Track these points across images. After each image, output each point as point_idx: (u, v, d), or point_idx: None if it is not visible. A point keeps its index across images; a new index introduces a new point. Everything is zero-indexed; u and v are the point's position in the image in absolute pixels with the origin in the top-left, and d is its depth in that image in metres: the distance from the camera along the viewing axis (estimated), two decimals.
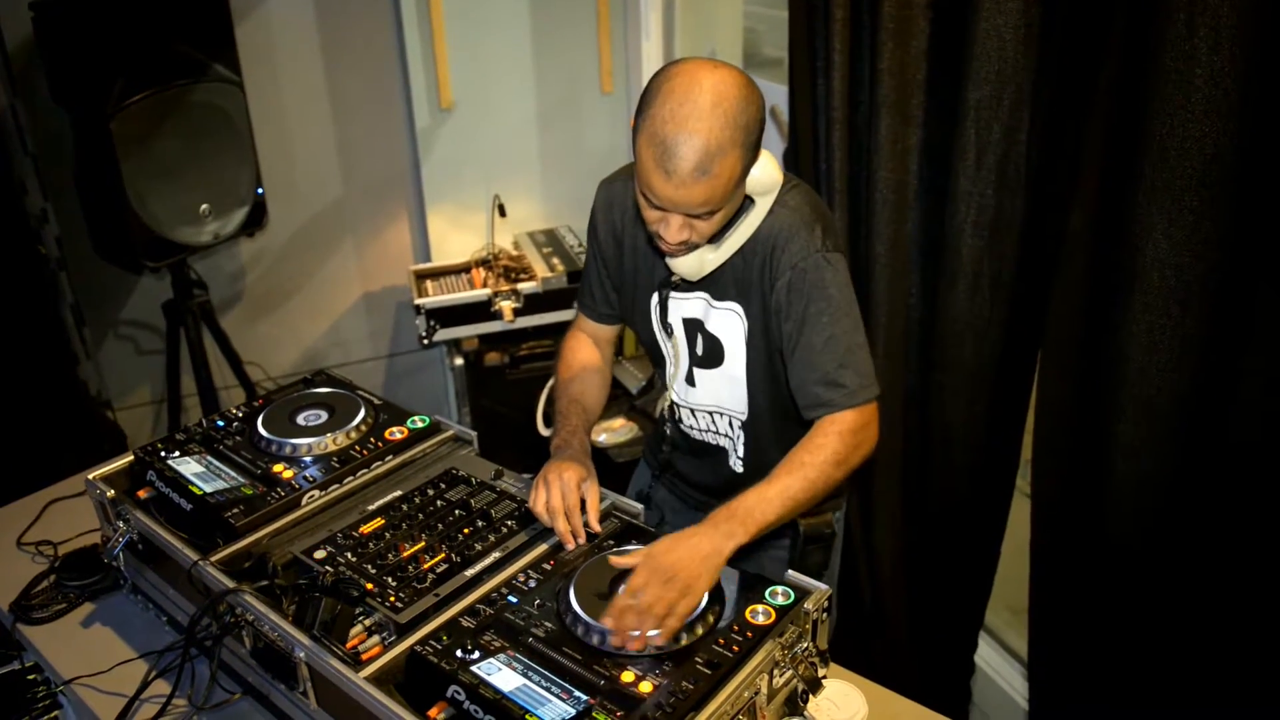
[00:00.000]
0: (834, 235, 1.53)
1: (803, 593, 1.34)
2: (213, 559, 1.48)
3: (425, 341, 3.21)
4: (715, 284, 1.58)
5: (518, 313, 3.20)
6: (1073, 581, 1.85)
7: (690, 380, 1.70)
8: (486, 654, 1.25)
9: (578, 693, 1.18)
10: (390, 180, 3.58)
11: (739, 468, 1.72)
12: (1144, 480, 1.65)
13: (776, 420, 1.65)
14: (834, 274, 1.49)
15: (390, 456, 1.71)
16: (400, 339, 3.82)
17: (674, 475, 1.87)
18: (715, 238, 1.50)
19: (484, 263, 3.36)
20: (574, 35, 3.43)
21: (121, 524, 1.65)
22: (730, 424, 1.70)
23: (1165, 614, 1.69)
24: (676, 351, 1.69)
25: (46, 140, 2.87)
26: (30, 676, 1.97)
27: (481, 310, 3.20)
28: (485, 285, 3.24)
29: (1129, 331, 1.57)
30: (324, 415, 1.80)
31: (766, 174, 1.46)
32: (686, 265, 1.52)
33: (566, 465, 1.55)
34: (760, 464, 1.62)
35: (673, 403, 1.75)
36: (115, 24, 2.55)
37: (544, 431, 2.58)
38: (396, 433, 1.76)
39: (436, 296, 3.20)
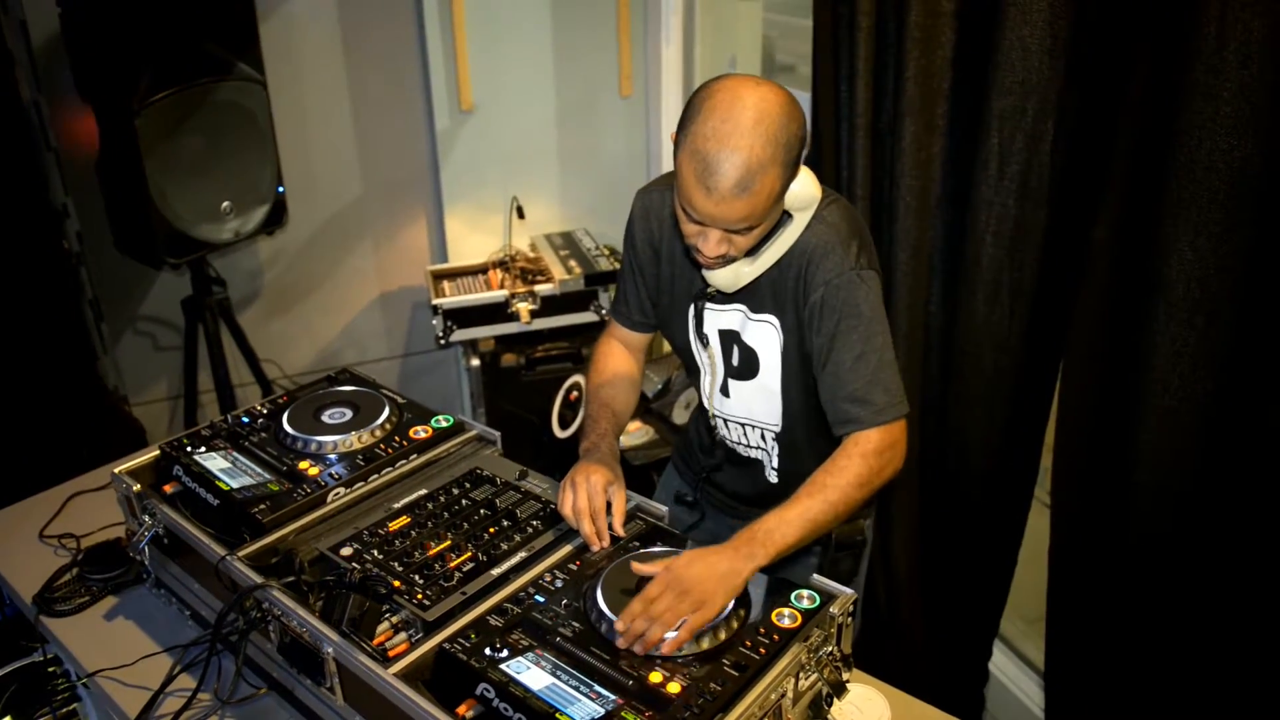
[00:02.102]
0: (870, 253, 1.54)
1: (828, 597, 1.34)
2: (240, 554, 1.49)
3: (442, 342, 3.22)
4: (753, 296, 1.59)
5: (534, 315, 3.21)
6: (1091, 591, 1.85)
7: (725, 391, 1.70)
8: (515, 652, 1.26)
9: (606, 692, 1.19)
10: (409, 181, 3.59)
11: (774, 478, 1.73)
12: (1165, 491, 1.65)
13: (810, 432, 1.65)
14: (866, 292, 1.50)
15: (415, 455, 1.72)
16: (416, 339, 3.83)
17: (712, 485, 1.87)
18: (752, 251, 1.51)
19: (501, 264, 3.37)
20: (594, 39, 3.44)
21: (147, 518, 1.67)
22: (763, 436, 1.71)
23: (1183, 625, 1.69)
24: (712, 362, 1.69)
25: (68, 135, 2.90)
26: (51, 669, 1.98)
27: (498, 311, 3.21)
28: (502, 287, 3.26)
29: (1152, 342, 1.58)
30: (349, 413, 1.81)
31: (805, 189, 1.46)
32: (722, 278, 1.53)
33: (595, 468, 1.56)
34: (795, 475, 1.62)
35: (710, 414, 1.75)
36: (141, 21, 2.56)
37: (559, 433, 2.59)
38: (421, 432, 1.77)
39: (454, 297, 3.22)
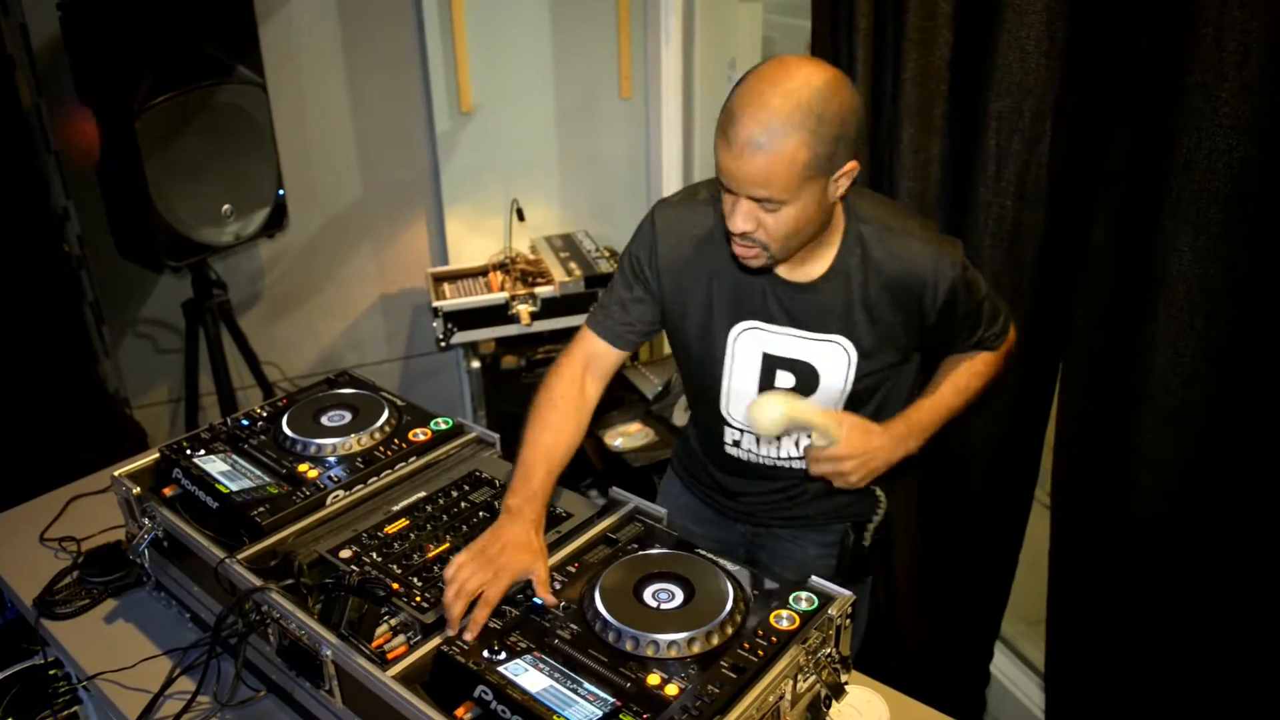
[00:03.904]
0: (946, 238, 1.58)
1: (826, 599, 1.34)
2: (239, 557, 1.49)
3: (443, 344, 3.22)
4: (814, 317, 1.56)
5: (535, 317, 3.21)
6: (1091, 592, 1.85)
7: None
8: (513, 655, 1.26)
9: (604, 695, 1.19)
10: (409, 183, 3.60)
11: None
12: (1164, 492, 1.65)
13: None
14: (970, 274, 1.58)
15: (414, 458, 1.72)
16: (416, 341, 3.83)
17: (721, 493, 1.84)
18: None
19: (501, 266, 3.37)
20: (594, 41, 3.45)
21: (147, 521, 1.67)
22: (797, 442, 1.68)
23: (1184, 626, 1.69)
24: (750, 386, 1.63)
25: (69, 139, 2.90)
26: (52, 671, 1.99)
27: (499, 314, 3.22)
28: (503, 289, 3.26)
29: (1151, 343, 1.58)
30: (348, 416, 1.81)
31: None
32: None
33: (510, 545, 1.41)
34: None
35: (731, 427, 1.71)
36: (141, 24, 2.57)
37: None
38: (420, 434, 1.77)
39: (454, 299, 3.22)
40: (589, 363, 1.68)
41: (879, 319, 1.54)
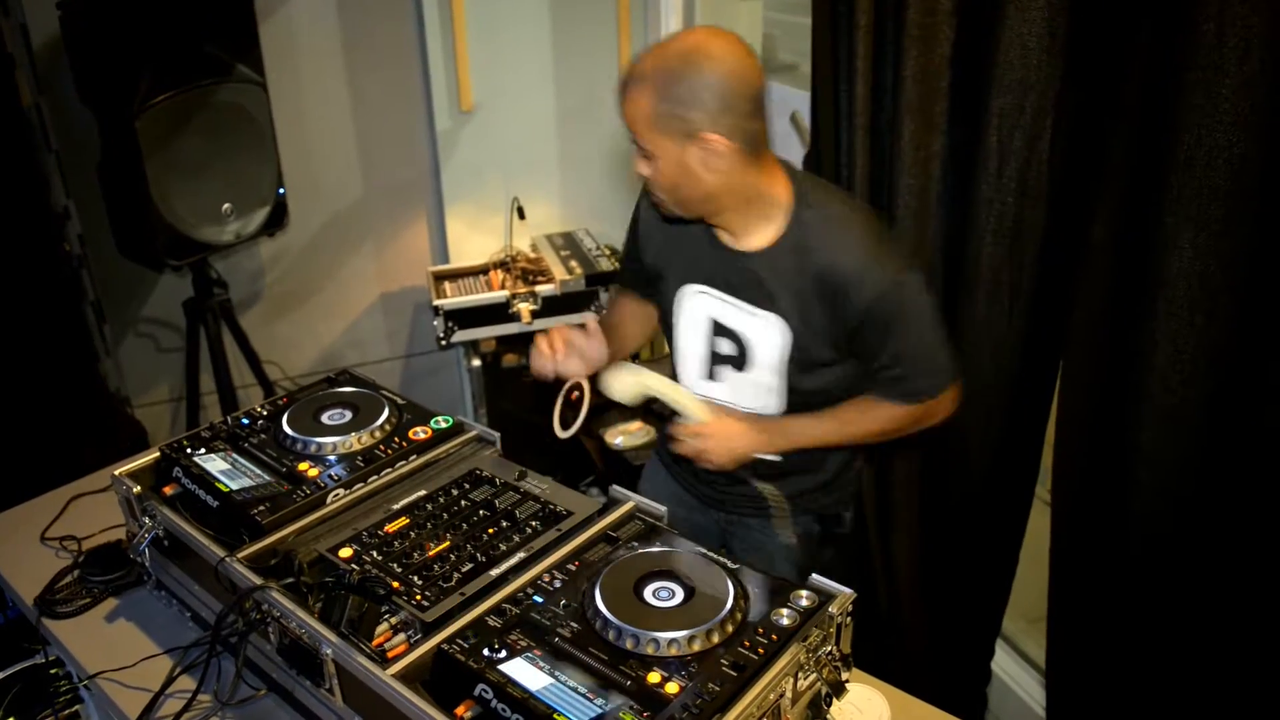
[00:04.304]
0: (899, 252, 1.63)
1: (827, 597, 1.34)
2: (239, 556, 1.49)
3: (443, 342, 3.22)
4: (756, 290, 1.64)
5: (535, 315, 3.21)
6: (1092, 590, 1.85)
7: (711, 377, 1.76)
8: (513, 653, 1.26)
9: (604, 692, 1.19)
10: (410, 182, 3.60)
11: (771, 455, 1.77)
12: (1165, 490, 1.65)
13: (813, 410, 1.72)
14: (908, 293, 1.58)
15: (414, 456, 1.72)
16: (417, 340, 3.83)
17: (695, 478, 1.92)
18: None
19: (502, 265, 3.37)
20: (594, 39, 3.44)
21: (147, 520, 1.67)
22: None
23: (1184, 623, 1.69)
24: (696, 347, 1.75)
25: (70, 138, 2.90)
26: (53, 670, 1.99)
27: (499, 312, 3.22)
28: (503, 287, 3.26)
29: (1152, 340, 1.58)
30: (348, 414, 1.81)
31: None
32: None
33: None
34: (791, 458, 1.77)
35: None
36: (141, 23, 2.57)
37: (560, 434, 2.59)
38: (420, 433, 1.77)
39: (455, 298, 3.22)
40: (625, 309, 1.94)
41: (808, 306, 1.60)
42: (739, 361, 1.70)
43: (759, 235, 1.61)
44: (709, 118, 1.46)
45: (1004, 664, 2.43)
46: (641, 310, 1.92)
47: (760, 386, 1.70)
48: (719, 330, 1.70)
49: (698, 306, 1.71)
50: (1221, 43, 1.38)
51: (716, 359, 1.73)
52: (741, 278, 1.64)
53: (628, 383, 1.73)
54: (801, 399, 1.69)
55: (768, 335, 1.64)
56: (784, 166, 1.64)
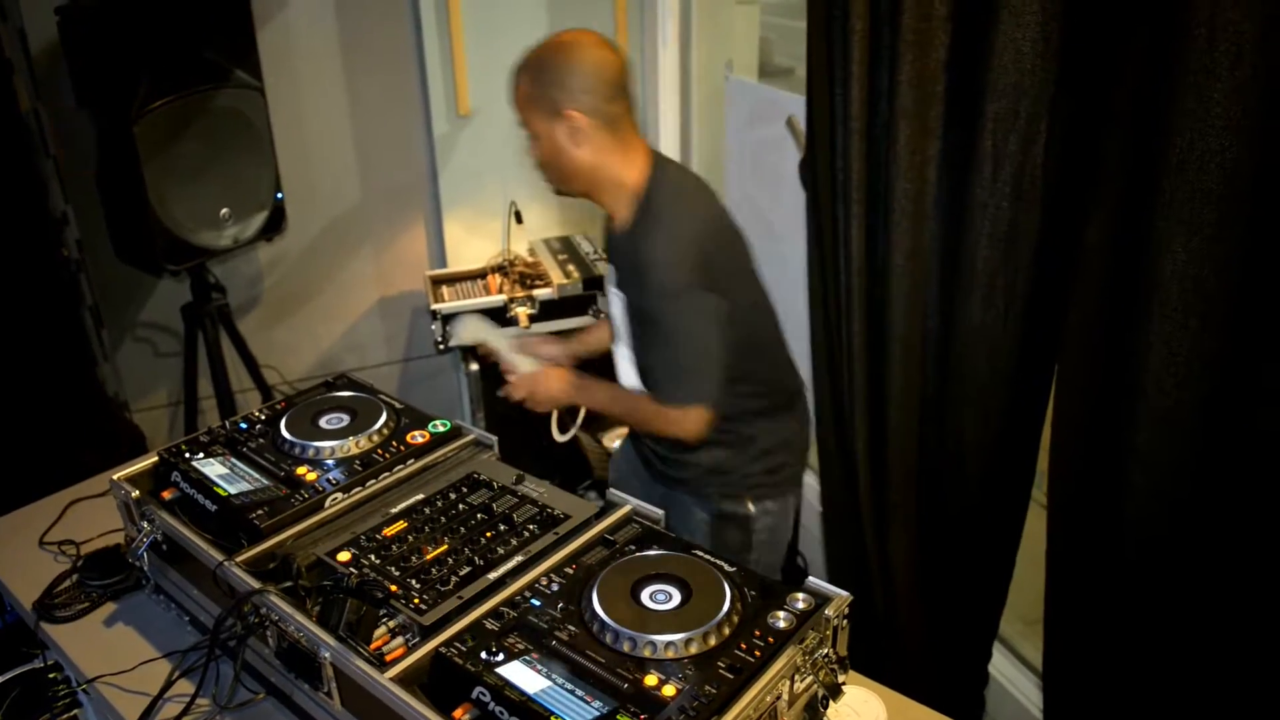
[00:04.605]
0: (704, 273, 1.80)
1: (823, 599, 1.35)
2: (238, 559, 1.49)
3: (441, 346, 3.23)
4: (620, 269, 1.96)
5: (533, 319, 3.22)
6: (1088, 593, 1.85)
7: (616, 356, 2.09)
8: (511, 656, 1.26)
9: (602, 695, 1.19)
10: (408, 186, 3.60)
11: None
12: (1160, 492, 1.65)
13: None
14: (681, 309, 1.80)
15: (412, 460, 1.72)
16: (415, 344, 3.84)
17: (647, 451, 2.18)
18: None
19: (500, 269, 3.38)
20: None
21: (146, 524, 1.67)
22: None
23: (1181, 625, 1.69)
24: (616, 313, 2.04)
25: (68, 143, 2.91)
26: (51, 675, 1.99)
27: (497, 316, 3.22)
28: (501, 291, 3.27)
29: (1146, 343, 1.58)
30: (346, 419, 1.81)
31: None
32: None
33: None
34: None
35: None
36: (140, 28, 2.58)
37: (558, 437, 2.62)
38: (418, 436, 1.77)
39: (453, 302, 3.23)
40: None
41: (635, 290, 1.88)
42: (614, 336, 2.06)
43: (621, 218, 1.90)
44: (570, 97, 1.78)
45: (1001, 666, 2.43)
46: None
47: (626, 360, 2.03)
48: (622, 316, 2.00)
49: (611, 294, 2.03)
50: (1213, 48, 1.39)
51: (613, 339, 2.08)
52: (614, 258, 1.99)
53: (471, 328, 2.22)
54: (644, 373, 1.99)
55: (619, 311, 1.97)
56: (654, 158, 1.90)
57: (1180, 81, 1.44)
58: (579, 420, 2.78)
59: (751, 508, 2.07)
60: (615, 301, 2.00)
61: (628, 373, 2.05)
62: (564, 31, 1.85)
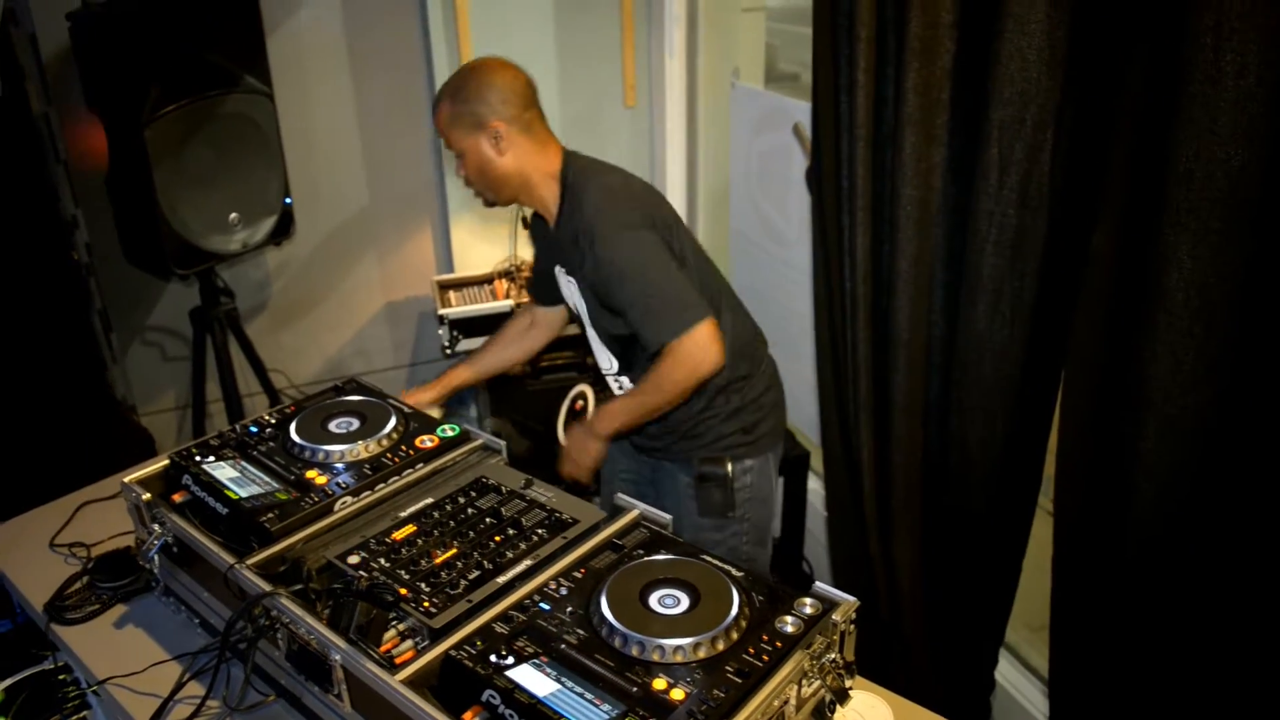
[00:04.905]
0: (632, 210, 1.99)
1: (831, 604, 1.36)
2: (249, 562, 1.50)
3: (448, 351, 3.24)
4: (565, 258, 2.10)
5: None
6: (1095, 600, 1.86)
7: (590, 341, 2.22)
8: (520, 659, 1.27)
9: (611, 699, 1.20)
10: (415, 191, 3.62)
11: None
12: (1166, 499, 1.66)
13: (643, 366, 2.07)
14: (628, 247, 1.94)
15: (421, 464, 1.74)
16: (422, 348, 3.85)
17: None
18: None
19: (507, 274, 3.39)
20: (598, 50, 3.47)
21: (157, 527, 1.68)
22: (614, 380, 2.23)
23: (1187, 632, 1.70)
24: (579, 307, 2.18)
25: (77, 147, 2.92)
26: (61, 676, 2.00)
27: (503, 321, 3.22)
28: (508, 296, 3.28)
29: (1152, 351, 1.59)
30: (355, 423, 1.82)
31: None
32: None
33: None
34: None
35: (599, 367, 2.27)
36: (150, 34, 2.59)
37: (564, 441, 2.63)
38: (427, 441, 1.78)
39: (460, 307, 3.24)
40: (535, 314, 2.44)
41: (581, 263, 2.01)
42: (581, 322, 2.18)
43: (553, 210, 2.06)
44: (491, 109, 1.97)
45: (1007, 673, 2.43)
46: (552, 318, 2.42)
47: (597, 341, 2.18)
48: (570, 297, 2.16)
49: (564, 284, 2.16)
50: (1219, 57, 1.40)
51: (581, 326, 2.20)
52: (559, 249, 2.10)
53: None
54: (620, 348, 2.14)
55: (577, 295, 2.11)
56: (564, 152, 2.08)
57: (1186, 90, 1.45)
58: None
59: (730, 467, 2.19)
60: (571, 288, 2.13)
61: (600, 354, 2.21)
62: (472, 61, 2.06)
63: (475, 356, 2.44)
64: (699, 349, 1.93)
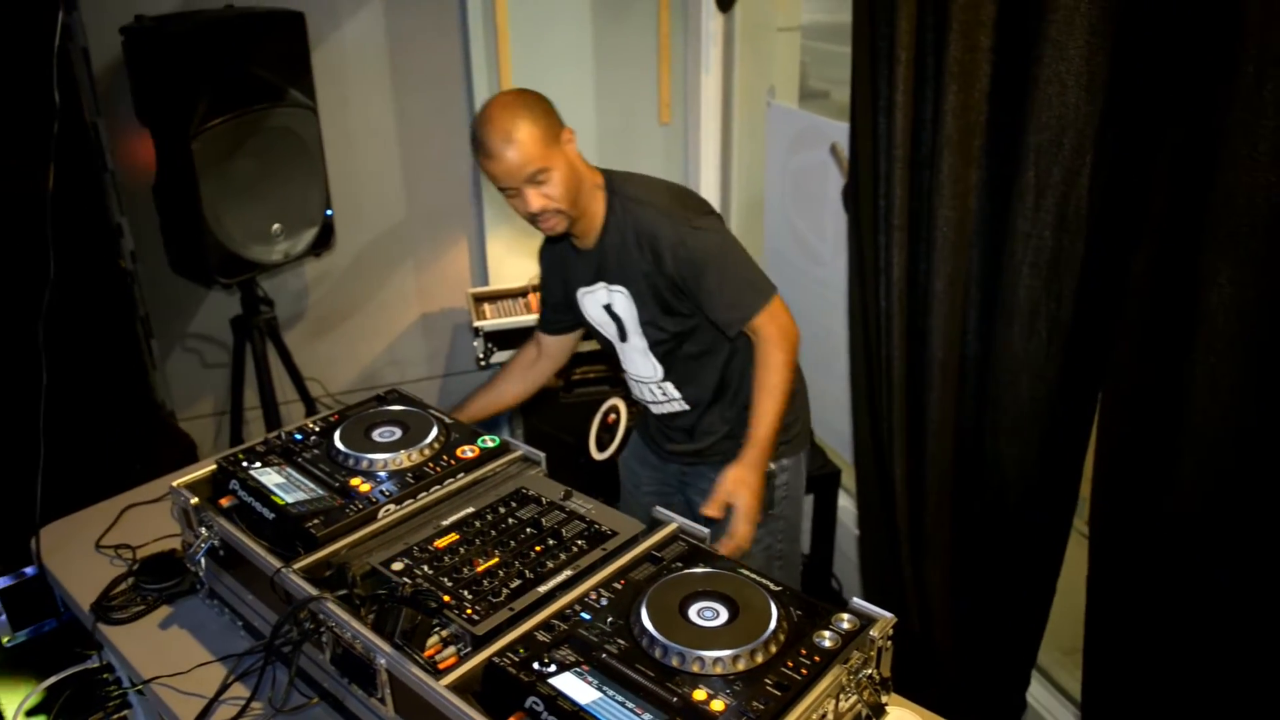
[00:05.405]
0: (692, 206, 2.06)
1: (868, 620, 1.37)
2: (295, 567, 1.53)
3: (483, 363, 3.27)
4: (606, 271, 2.09)
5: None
6: (1129, 623, 1.86)
7: (623, 354, 2.21)
8: (562, 668, 1.29)
9: (652, 709, 1.22)
10: (452, 205, 3.67)
11: (685, 408, 2.23)
12: (1204, 524, 1.66)
13: (692, 368, 2.16)
14: (703, 237, 1.99)
15: (462, 474, 1.76)
16: (455, 360, 3.90)
17: (660, 435, 2.35)
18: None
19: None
20: (635, 66, 3.51)
21: (204, 530, 1.72)
22: (653, 390, 2.22)
23: (1224, 658, 1.69)
24: (606, 333, 2.20)
25: (124, 158, 2.99)
26: (104, 676, 2.04)
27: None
28: None
29: (1191, 374, 1.59)
30: (398, 432, 1.86)
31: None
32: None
33: None
34: (695, 398, 2.21)
35: (627, 378, 2.27)
36: (200, 49, 2.66)
37: (596, 455, 2.65)
38: (468, 451, 1.81)
39: (495, 319, 3.27)
40: (542, 344, 2.40)
41: (635, 267, 2.03)
42: (623, 334, 2.16)
43: (596, 223, 2.05)
44: (559, 118, 1.97)
45: (1039, 695, 2.43)
46: (557, 348, 2.39)
47: (638, 351, 2.16)
48: (610, 314, 2.15)
49: (590, 304, 2.17)
50: (1260, 85, 1.41)
51: (618, 337, 2.18)
52: (595, 265, 2.10)
53: None
54: (663, 353, 2.14)
55: (625, 305, 2.09)
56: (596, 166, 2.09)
57: (1228, 118, 1.46)
58: (618, 439, 2.81)
59: (771, 465, 2.19)
60: (619, 300, 2.11)
61: (640, 364, 2.19)
62: (498, 94, 1.99)
63: (485, 391, 2.39)
64: (785, 318, 2.03)
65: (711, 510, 1.92)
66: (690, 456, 2.30)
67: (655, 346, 2.14)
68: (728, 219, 3.62)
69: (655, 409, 2.27)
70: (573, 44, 3.45)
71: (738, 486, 1.94)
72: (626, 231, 2.02)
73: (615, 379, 3.29)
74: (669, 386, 2.20)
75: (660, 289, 2.04)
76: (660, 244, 1.98)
